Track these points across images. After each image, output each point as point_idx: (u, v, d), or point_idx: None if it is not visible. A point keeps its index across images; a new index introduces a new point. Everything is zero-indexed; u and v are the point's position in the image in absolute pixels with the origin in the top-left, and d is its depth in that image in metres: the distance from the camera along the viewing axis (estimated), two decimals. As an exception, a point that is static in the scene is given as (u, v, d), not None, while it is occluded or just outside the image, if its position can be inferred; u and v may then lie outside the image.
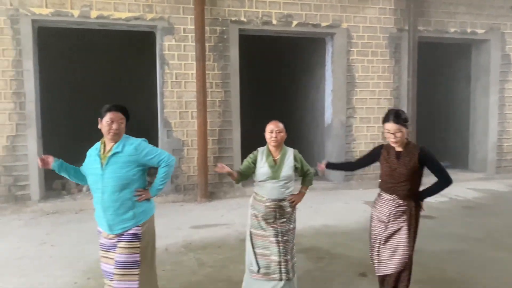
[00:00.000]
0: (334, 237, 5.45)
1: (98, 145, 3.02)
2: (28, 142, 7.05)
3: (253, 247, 3.48)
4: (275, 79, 12.59)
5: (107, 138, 2.96)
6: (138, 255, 2.92)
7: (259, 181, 3.48)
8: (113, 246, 2.94)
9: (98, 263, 4.51)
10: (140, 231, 2.95)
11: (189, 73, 7.74)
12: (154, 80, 8.06)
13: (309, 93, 10.25)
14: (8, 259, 4.77)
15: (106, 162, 2.90)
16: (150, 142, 3.16)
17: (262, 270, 3.41)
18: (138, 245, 2.92)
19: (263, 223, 3.45)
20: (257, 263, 3.43)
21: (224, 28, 7.88)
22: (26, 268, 4.50)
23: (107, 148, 2.96)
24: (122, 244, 2.91)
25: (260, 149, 3.58)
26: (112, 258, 2.92)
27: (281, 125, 3.50)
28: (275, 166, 3.44)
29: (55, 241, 5.42)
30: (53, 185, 7.91)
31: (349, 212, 6.73)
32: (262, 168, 3.45)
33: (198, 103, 7.56)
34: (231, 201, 7.57)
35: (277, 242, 3.39)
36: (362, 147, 8.59)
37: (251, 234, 3.53)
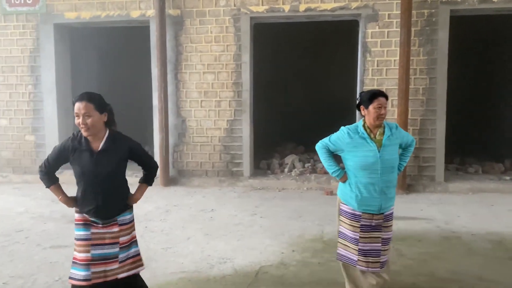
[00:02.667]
0: None
1: (359, 128, 3.15)
2: (243, 125, 8.09)
3: None
4: (492, 62, 11.10)
5: (374, 123, 3.11)
6: (391, 232, 3.24)
7: None
8: (377, 226, 3.14)
9: (301, 238, 4.98)
10: (393, 211, 3.25)
11: (391, 60, 7.54)
12: (351, 69, 8.15)
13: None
14: (228, 224, 5.63)
15: (381, 145, 3.10)
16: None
17: None
18: (392, 223, 3.25)
19: None
20: None
21: (433, 11, 7.36)
22: (242, 233, 5.24)
23: (374, 132, 3.15)
24: (387, 223, 3.18)
25: None
26: (378, 237, 3.13)
27: None
28: None
29: (263, 213, 6.12)
30: (260, 164, 8.89)
31: None
32: None
33: (400, 90, 7.30)
34: (432, 195, 7.13)
35: None
36: None
37: None
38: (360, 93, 3.29)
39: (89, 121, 2.77)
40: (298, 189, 7.71)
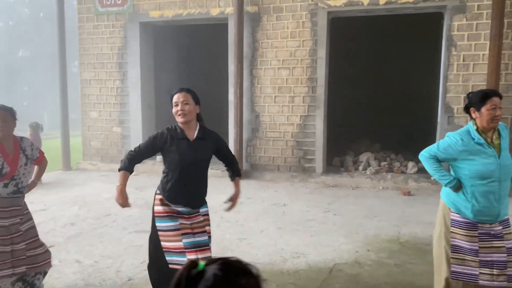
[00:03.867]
0: None
1: (473, 133, 2.86)
2: (316, 121, 8.04)
3: None
4: None
5: (488, 126, 2.80)
6: None
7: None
8: (498, 235, 2.85)
9: (376, 238, 4.85)
10: (508, 217, 2.92)
11: (479, 54, 7.04)
12: (432, 64, 7.71)
13: None
14: (301, 219, 5.64)
15: (500, 150, 2.83)
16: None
17: None
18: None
19: None
20: None
21: (530, 0, 6.75)
22: (315, 229, 5.22)
23: (489, 136, 2.86)
24: (507, 230, 2.87)
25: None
26: (501, 247, 2.83)
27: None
28: None
29: (336, 210, 6.05)
30: (333, 161, 8.78)
31: None
32: None
33: (489, 86, 6.78)
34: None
35: None
36: None
37: None
38: (468, 94, 2.96)
39: (186, 107, 2.97)
40: (373, 188, 7.50)
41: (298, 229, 5.21)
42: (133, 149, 3.15)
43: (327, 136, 8.27)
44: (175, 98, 3.01)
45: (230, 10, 8.25)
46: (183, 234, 2.98)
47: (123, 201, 3.03)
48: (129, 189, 7.31)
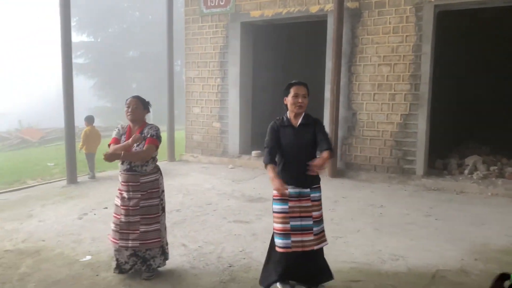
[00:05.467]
0: None
1: None
2: (418, 121, 7.64)
3: None
4: None
5: None
6: None
7: None
8: None
9: (484, 247, 4.52)
10: None
11: None
12: None
13: None
14: (400, 222, 5.43)
15: None
16: None
17: None
18: None
19: None
20: None
21: None
22: (415, 233, 5.00)
23: None
24: None
25: None
26: None
27: None
28: None
29: (439, 215, 5.71)
30: (435, 164, 8.27)
31: None
32: None
33: None
34: None
35: None
36: None
37: None
38: None
39: (305, 101, 3.34)
40: (481, 194, 6.93)
41: (396, 232, 5.03)
42: (265, 145, 3.41)
43: (430, 137, 7.81)
44: (296, 89, 3.33)
45: (329, 7, 8.18)
46: (291, 217, 3.27)
47: (281, 185, 3.15)
48: (226, 182, 7.73)
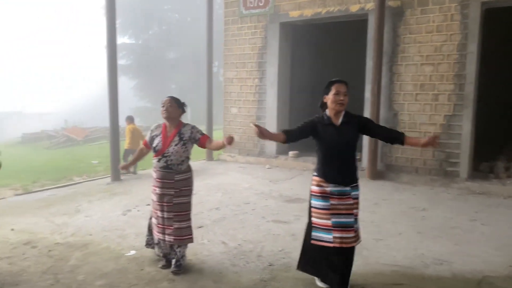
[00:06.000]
0: None
1: None
2: (463, 122, 7.39)
3: None
4: None
5: None
6: None
7: None
8: None
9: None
10: None
11: None
12: None
13: None
14: (443, 226, 5.28)
15: None
16: None
17: None
18: None
19: None
20: None
21: None
22: (459, 237, 4.84)
23: None
24: None
25: None
26: None
27: None
28: None
29: (485, 220, 5.50)
30: (480, 166, 7.97)
31: None
32: None
33: None
34: None
35: None
36: None
37: None
38: None
39: (346, 99, 3.35)
40: (530, 198, 6.63)
41: (440, 236, 4.89)
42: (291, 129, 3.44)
43: (475, 138, 7.54)
44: (337, 87, 3.32)
45: (370, 5, 8.06)
46: (332, 214, 3.30)
47: (259, 129, 3.23)
48: (264, 181, 7.76)
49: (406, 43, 7.84)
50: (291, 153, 9.53)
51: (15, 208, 6.16)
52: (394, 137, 3.39)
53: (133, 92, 34.65)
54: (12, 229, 5.12)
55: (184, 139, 3.85)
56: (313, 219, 3.38)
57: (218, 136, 11.47)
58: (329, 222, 3.29)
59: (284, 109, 9.90)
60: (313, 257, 3.46)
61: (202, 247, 4.50)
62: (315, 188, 3.39)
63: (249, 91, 10.03)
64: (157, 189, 3.86)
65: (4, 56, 48.56)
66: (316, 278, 3.60)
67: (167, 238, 3.83)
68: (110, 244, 4.61)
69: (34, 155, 16.52)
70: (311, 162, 9.00)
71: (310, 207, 3.43)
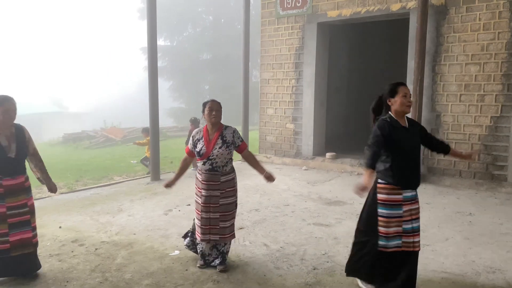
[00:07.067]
0: None
1: None
2: (511, 124, 7.07)
3: None
4: None
5: None
6: None
7: None
8: None
9: None
10: None
11: None
12: None
13: None
14: (493, 232, 5.06)
15: None
16: None
17: None
18: None
19: None
20: None
21: None
22: (511, 245, 4.63)
23: None
24: None
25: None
26: None
27: None
28: None
29: (538, 227, 5.24)
30: (529, 170, 7.60)
31: None
32: None
33: None
34: None
35: None
36: None
37: None
38: None
39: (412, 101, 3.40)
40: None
41: (490, 242, 4.69)
42: (369, 144, 3.30)
43: (524, 141, 7.20)
44: (404, 89, 3.31)
45: (412, 4, 7.85)
46: (404, 220, 3.29)
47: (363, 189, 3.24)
48: (302, 183, 7.70)
49: (450, 42, 7.58)
50: (328, 154, 9.41)
51: (61, 206, 6.38)
52: (442, 148, 3.52)
53: (168, 93, 35.26)
54: (60, 227, 5.30)
55: (227, 141, 3.89)
56: (381, 228, 3.30)
57: (254, 137, 11.51)
58: (400, 229, 3.29)
59: (321, 110, 9.79)
60: (368, 262, 3.38)
61: (244, 248, 4.51)
62: (383, 197, 3.29)
63: (285, 92, 9.98)
64: (203, 191, 3.90)
65: (43, 56, 50.39)
66: (359, 281, 3.56)
67: (212, 237, 3.89)
68: (153, 243, 4.69)
69: (76, 154, 17.10)
70: (348, 164, 8.86)
71: (376, 215, 3.31)
